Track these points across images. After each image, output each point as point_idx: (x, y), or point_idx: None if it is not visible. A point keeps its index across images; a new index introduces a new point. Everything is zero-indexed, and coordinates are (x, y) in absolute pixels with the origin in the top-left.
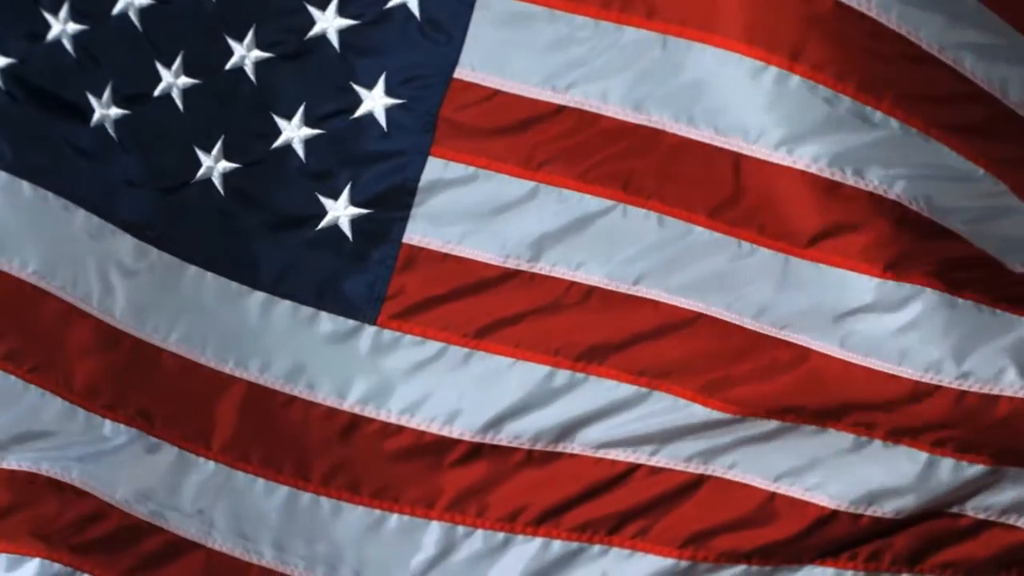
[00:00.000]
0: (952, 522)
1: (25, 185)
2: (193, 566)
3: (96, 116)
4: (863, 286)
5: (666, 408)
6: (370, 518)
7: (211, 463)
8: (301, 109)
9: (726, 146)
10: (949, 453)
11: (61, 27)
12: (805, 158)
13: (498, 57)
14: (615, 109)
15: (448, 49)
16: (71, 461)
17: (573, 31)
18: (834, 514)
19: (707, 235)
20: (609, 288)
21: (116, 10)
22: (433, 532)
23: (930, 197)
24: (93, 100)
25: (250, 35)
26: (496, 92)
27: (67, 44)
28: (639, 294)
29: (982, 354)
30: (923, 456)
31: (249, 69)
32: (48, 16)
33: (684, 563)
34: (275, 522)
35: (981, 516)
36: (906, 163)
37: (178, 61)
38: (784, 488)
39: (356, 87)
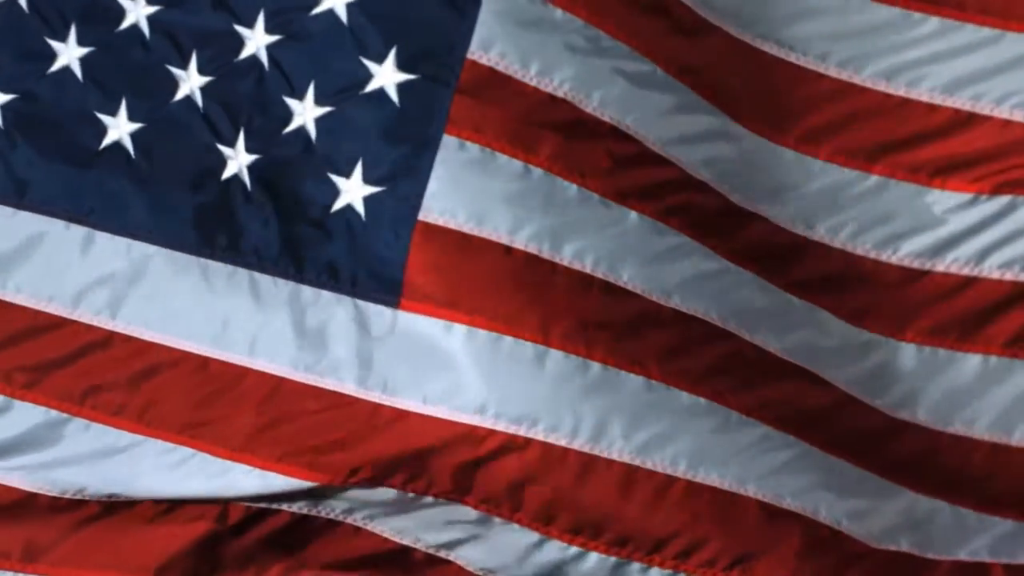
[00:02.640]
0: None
1: (43, 219)
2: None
3: (110, 136)
4: None
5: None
6: (404, 498)
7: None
8: (311, 87)
9: None
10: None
11: (69, 53)
12: None
13: (508, 38)
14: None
15: (462, 25)
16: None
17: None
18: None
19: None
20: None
21: (124, 25)
22: (470, 515)
23: None
24: (106, 119)
25: (260, 20)
26: (508, 77)
27: (76, 69)
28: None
29: None
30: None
31: (263, 55)
32: (54, 43)
33: None
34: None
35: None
36: None
37: (193, 62)
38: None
39: (366, 61)
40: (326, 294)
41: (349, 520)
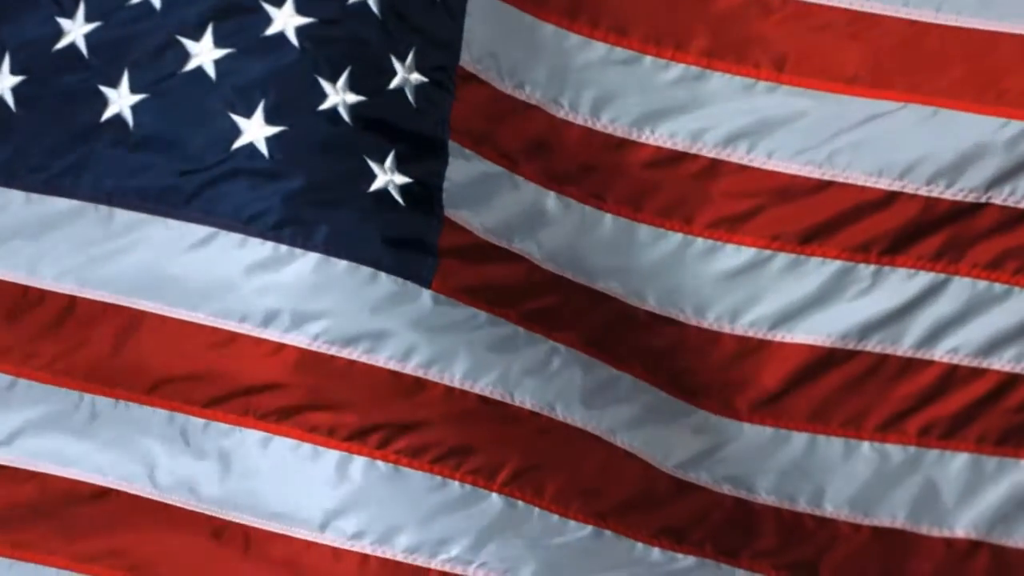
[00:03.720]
0: None
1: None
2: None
3: (110, 110)
4: None
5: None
6: (431, 482)
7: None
8: (345, 75)
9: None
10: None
11: (76, 30)
12: None
13: (491, 50)
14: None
15: (455, 31)
16: None
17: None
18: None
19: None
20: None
21: None
22: (494, 505)
23: None
24: (108, 92)
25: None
26: (489, 85)
27: (81, 46)
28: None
29: None
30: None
31: (291, 34)
32: (62, 21)
33: None
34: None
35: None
36: None
37: (208, 33)
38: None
39: (392, 58)
40: (368, 270)
41: None
